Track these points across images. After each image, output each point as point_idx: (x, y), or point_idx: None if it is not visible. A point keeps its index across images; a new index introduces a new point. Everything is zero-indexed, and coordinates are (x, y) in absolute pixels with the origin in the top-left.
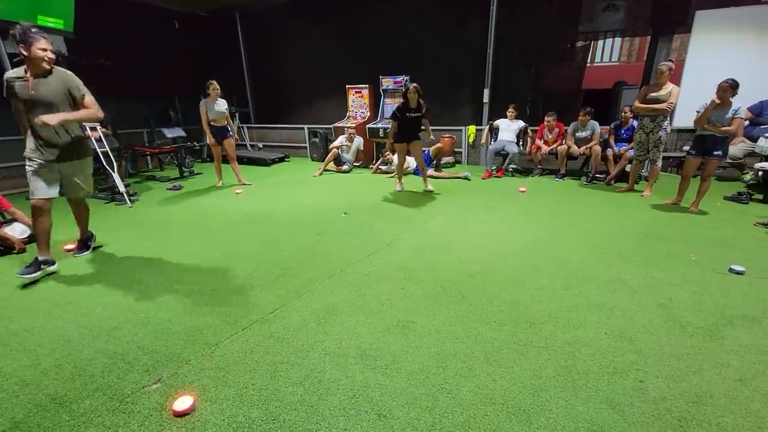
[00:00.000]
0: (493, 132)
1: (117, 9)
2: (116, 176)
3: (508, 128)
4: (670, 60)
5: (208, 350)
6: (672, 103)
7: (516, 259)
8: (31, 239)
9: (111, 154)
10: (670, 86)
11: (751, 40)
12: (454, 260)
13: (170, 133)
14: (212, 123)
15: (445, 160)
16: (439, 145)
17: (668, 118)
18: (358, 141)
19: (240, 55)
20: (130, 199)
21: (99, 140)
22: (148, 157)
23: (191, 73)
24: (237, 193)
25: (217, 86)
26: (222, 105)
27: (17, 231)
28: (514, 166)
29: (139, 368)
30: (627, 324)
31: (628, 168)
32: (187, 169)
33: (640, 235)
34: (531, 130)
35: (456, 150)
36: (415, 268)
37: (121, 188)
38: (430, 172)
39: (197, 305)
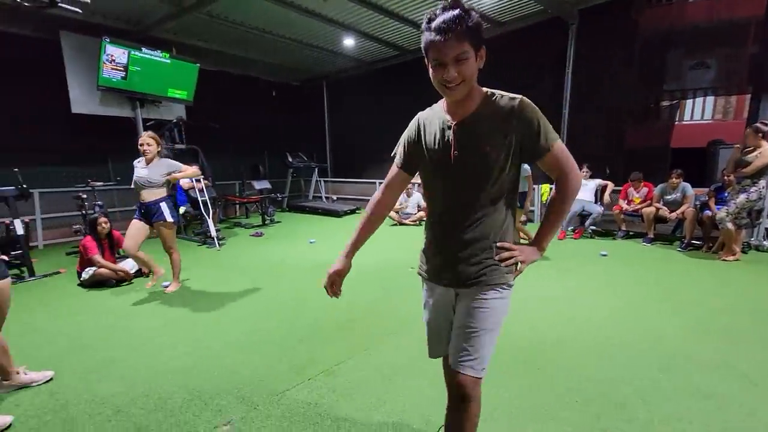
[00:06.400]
0: None
1: (228, 81)
2: (210, 222)
3: (585, 187)
4: (764, 122)
5: (274, 397)
6: (757, 165)
7: (596, 329)
8: (137, 273)
9: (209, 203)
10: (762, 147)
11: None
12: (527, 327)
13: (258, 185)
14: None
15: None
16: None
17: (759, 180)
18: (416, 196)
19: (324, 118)
20: (218, 243)
21: (201, 191)
22: (237, 206)
23: (281, 132)
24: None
25: (152, 140)
26: (160, 169)
27: (128, 266)
28: (594, 227)
29: (212, 408)
30: (746, 422)
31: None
32: (269, 218)
33: (753, 312)
34: (612, 189)
35: (529, 209)
36: None
37: (213, 233)
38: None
39: (268, 349)
